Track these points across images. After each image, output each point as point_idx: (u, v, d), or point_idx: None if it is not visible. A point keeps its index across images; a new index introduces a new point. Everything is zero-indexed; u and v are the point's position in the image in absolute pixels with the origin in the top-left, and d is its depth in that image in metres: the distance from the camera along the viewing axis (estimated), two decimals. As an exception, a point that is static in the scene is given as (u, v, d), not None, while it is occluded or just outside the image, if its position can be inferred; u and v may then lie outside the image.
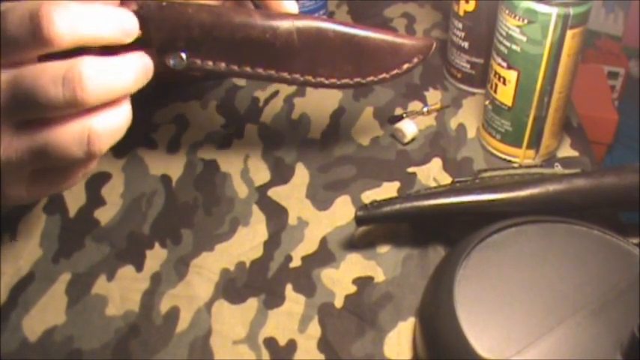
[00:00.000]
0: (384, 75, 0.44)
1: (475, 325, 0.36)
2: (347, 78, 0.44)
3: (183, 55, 0.41)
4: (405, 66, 0.44)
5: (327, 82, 0.44)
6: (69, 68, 0.31)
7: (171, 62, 0.41)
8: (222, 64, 0.42)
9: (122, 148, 0.55)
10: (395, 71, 0.44)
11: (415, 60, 0.44)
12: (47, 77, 0.31)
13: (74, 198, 0.51)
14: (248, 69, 0.42)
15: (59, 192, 0.36)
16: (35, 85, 0.31)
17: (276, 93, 0.61)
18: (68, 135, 0.32)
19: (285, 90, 0.61)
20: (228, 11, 0.41)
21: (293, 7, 0.44)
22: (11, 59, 0.32)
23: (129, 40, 0.36)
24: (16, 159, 0.33)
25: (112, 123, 0.34)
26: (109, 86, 0.33)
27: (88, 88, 0.32)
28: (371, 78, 0.44)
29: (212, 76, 0.47)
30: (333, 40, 0.42)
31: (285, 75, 0.43)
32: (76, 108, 0.32)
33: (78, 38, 0.32)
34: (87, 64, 0.32)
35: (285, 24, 0.41)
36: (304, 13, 0.64)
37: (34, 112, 0.32)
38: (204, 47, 0.41)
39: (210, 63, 0.42)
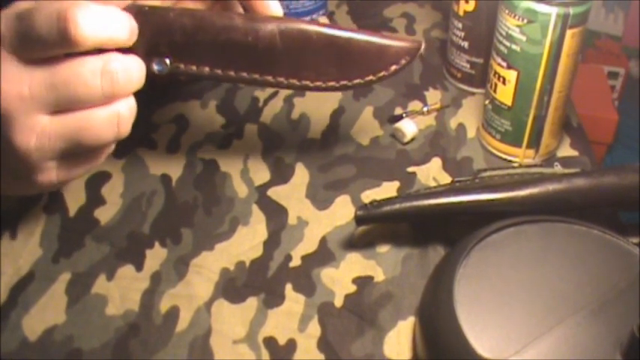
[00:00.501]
0: (370, 77, 0.43)
1: (475, 324, 0.36)
2: (332, 81, 0.43)
3: (167, 60, 0.41)
4: (393, 68, 0.44)
5: (312, 85, 0.43)
6: (105, 63, 0.35)
7: (154, 67, 0.41)
8: (206, 69, 0.42)
9: (122, 148, 0.55)
10: (382, 73, 0.43)
11: (403, 61, 0.44)
12: (86, 71, 0.35)
13: (74, 197, 0.51)
14: (232, 73, 0.42)
15: (87, 173, 0.39)
16: (75, 78, 0.35)
17: (275, 93, 0.61)
18: (101, 120, 0.36)
19: (285, 90, 0.61)
20: (210, 15, 0.41)
21: (278, 10, 0.44)
22: (37, 56, 0.35)
23: (132, 42, 0.37)
24: (49, 146, 0.36)
25: (131, 107, 0.38)
26: (134, 79, 0.37)
27: (122, 81, 0.36)
28: (357, 80, 0.43)
29: (198, 80, 0.47)
30: (316, 43, 0.42)
31: (269, 78, 0.42)
32: (110, 99, 0.36)
33: (100, 40, 0.35)
34: (116, 59, 0.36)
35: (267, 26, 0.41)
36: (304, 13, 0.64)
37: (72, 103, 0.35)
38: (187, 51, 0.41)
39: (194, 67, 0.41)
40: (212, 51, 0.41)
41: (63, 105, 0.35)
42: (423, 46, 0.44)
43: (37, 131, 0.35)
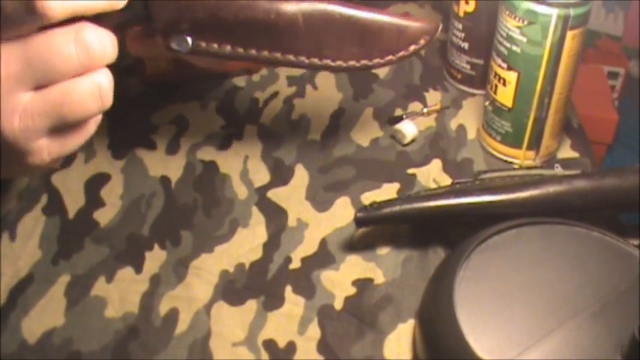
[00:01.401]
0: (390, 57, 0.44)
1: (475, 327, 0.36)
2: (353, 60, 0.44)
3: (189, 39, 0.40)
4: (412, 47, 0.44)
5: (333, 64, 0.43)
6: (77, 32, 0.35)
7: (175, 45, 0.40)
8: (228, 47, 0.41)
9: (121, 149, 0.55)
10: (401, 53, 0.44)
11: (422, 42, 0.44)
12: (59, 41, 0.34)
13: (73, 199, 0.51)
14: (253, 51, 0.42)
15: (80, 146, 0.38)
16: (49, 50, 0.34)
17: (275, 94, 0.61)
18: (83, 91, 0.36)
19: (285, 91, 0.61)
20: None
21: None
22: (11, 35, 0.35)
23: (122, 4, 0.37)
24: (33, 125, 0.35)
25: (110, 78, 0.37)
26: (108, 48, 0.36)
27: (97, 50, 0.35)
28: (377, 60, 0.44)
29: (216, 63, 0.46)
30: (338, 22, 0.42)
31: (291, 57, 0.42)
32: (87, 67, 0.36)
33: (72, 9, 0.34)
34: (87, 27, 0.35)
35: (289, 5, 0.41)
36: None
37: (50, 76, 0.35)
38: (209, 29, 0.41)
39: (216, 46, 0.41)
40: (234, 29, 0.41)
41: (41, 80, 0.35)
42: (440, 27, 0.44)
43: (19, 111, 0.35)
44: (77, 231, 0.49)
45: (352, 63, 0.44)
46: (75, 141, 0.39)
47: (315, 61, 0.43)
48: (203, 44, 0.41)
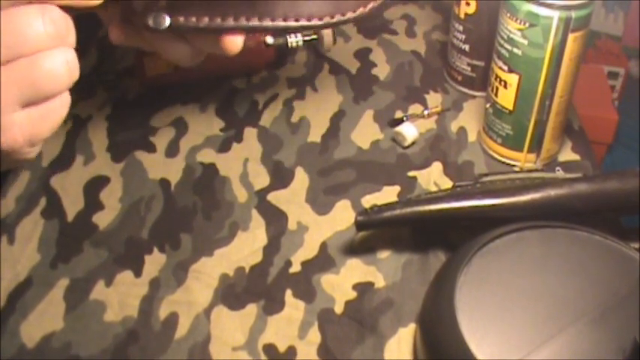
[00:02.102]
0: (361, 9, 0.44)
1: (476, 331, 0.36)
2: (327, 16, 0.44)
3: (166, 16, 0.40)
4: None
5: (308, 23, 0.44)
6: (42, 8, 0.35)
7: (152, 23, 0.40)
8: (206, 19, 0.42)
9: (121, 152, 0.55)
10: (371, 4, 0.44)
11: None
12: (29, 15, 0.35)
13: (72, 202, 0.51)
14: (231, 20, 0.42)
15: (55, 128, 0.38)
16: (19, 22, 0.35)
17: (275, 96, 0.60)
18: (54, 61, 0.36)
19: (285, 93, 0.61)
20: None
21: None
22: None
23: (97, 3, 0.38)
24: (4, 96, 0.35)
25: (74, 54, 0.37)
26: (70, 28, 0.37)
27: (62, 26, 0.36)
28: (350, 14, 0.44)
29: (197, 33, 0.47)
30: None
31: (268, 22, 0.43)
32: (55, 40, 0.36)
33: None
34: (53, 7, 0.36)
35: None
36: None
37: (19, 47, 0.35)
38: (186, 2, 0.41)
39: (194, 19, 0.41)
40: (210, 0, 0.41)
41: (10, 51, 0.35)
42: None
43: None
44: (76, 234, 0.48)
45: (327, 20, 0.44)
46: (47, 120, 0.38)
47: (292, 23, 0.43)
48: (181, 19, 0.41)
